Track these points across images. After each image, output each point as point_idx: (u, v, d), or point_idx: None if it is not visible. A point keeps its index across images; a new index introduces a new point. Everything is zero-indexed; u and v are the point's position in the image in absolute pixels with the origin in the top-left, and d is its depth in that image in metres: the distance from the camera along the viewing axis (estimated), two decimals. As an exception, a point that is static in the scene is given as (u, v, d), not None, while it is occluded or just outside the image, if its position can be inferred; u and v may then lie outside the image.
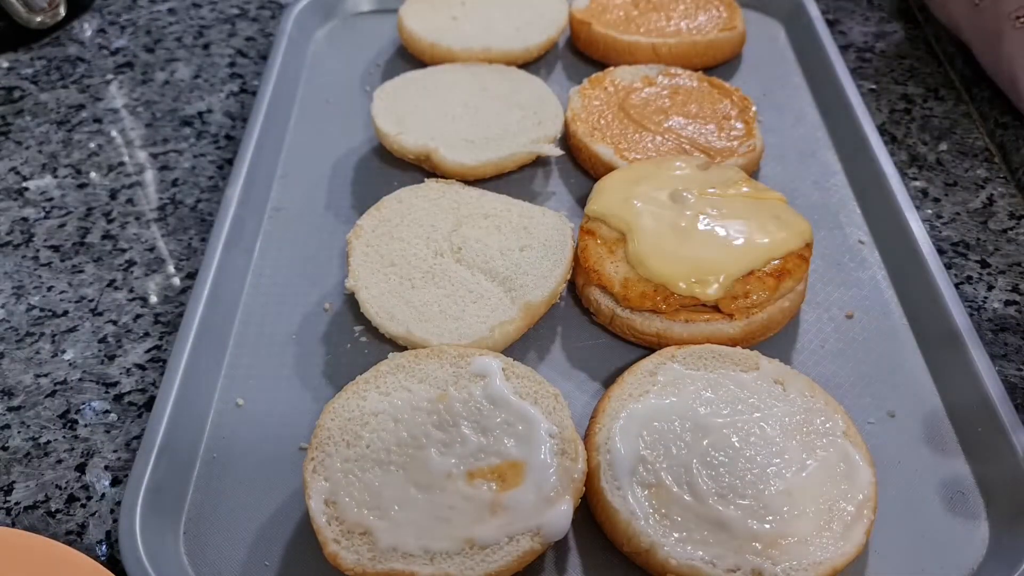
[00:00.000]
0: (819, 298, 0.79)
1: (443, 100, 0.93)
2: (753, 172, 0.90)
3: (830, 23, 1.12)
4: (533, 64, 1.03)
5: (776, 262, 0.72)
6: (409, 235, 0.79)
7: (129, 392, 0.75)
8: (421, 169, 0.90)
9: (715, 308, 0.72)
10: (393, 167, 0.91)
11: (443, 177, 0.87)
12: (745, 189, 0.78)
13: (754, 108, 0.91)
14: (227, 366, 0.75)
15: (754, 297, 0.71)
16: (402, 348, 0.72)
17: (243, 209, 0.85)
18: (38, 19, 1.04)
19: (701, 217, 0.75)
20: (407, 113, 0.91)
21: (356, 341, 0.76)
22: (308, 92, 1.03)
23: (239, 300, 0.80)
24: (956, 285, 0.80)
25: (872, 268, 0.81)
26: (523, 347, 0.75)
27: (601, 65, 1.02)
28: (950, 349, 0.73)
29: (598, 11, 1.05)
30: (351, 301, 0.79)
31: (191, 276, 0.84)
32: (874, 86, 1.03)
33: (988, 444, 0.67)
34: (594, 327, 0.77)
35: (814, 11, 1.07)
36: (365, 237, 0.78)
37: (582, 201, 0.87)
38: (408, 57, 1.05)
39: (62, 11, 1.06)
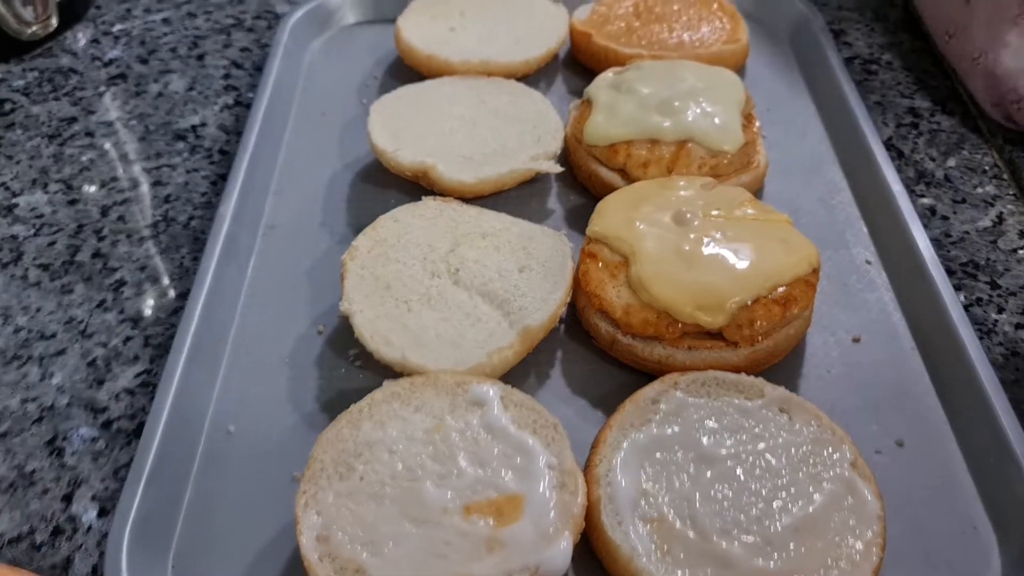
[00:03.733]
0: (825, 321, 0.77)
1: (441, 114, 0.92)
2: (758, 189, 0.88)
3: (835, 34, 1.10)
4: (533, 76, 1.02)
5: (782, 289, 0.71)
6: (405, 256, 0.77)
7: (118, 418, 0.73)
8: (419, 184, 0.88)
9: (719, 335, 0.70)
10: (390, 182, 0.90)
11: (441, 194, 0.85)
12: (750, 211, 0.77)
13: (758, 124, 0.89)
14: (218, 391, 0.73)
15: (759, 325, 0.69)
16: (398, 374, 0.70)
17: (236, 226, 0.83)
18: (29, 30, 1.02)
19: (705, 240, 0.73)
20: (404, 128, 0.89)
21: (351, 365, 0.75)
22: (304, 104, 1.01)
23: (231, 322, 0.78)
24: (966, 307, 0.78)
25: (879, 289, 0.80)
26: (522, 372, 0.73)
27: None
28: (960, 375, 0.71)
29: (599, 22, 1.03)
30: (346, 323, 0.77)
31: (183, 296, 0.82)
32: (880, 99, 1.01)
33: (1001, 476, 0.65)
34: (594, 351, 0.75)
35: (819, 22, 1.05)
36: (360, 259, 0.76)
37: (582, 219, 0.85)
38: (406, 68, 1.03)
39: (54, 22, 1.04)
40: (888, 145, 0.95)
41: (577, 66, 1.05)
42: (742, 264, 0.71)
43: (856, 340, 0.75)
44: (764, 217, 0.76)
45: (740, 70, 1.02)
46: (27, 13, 1.02)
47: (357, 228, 0.86)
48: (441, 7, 1.06)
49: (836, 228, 0.85)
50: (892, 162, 0.89)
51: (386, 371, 0.72)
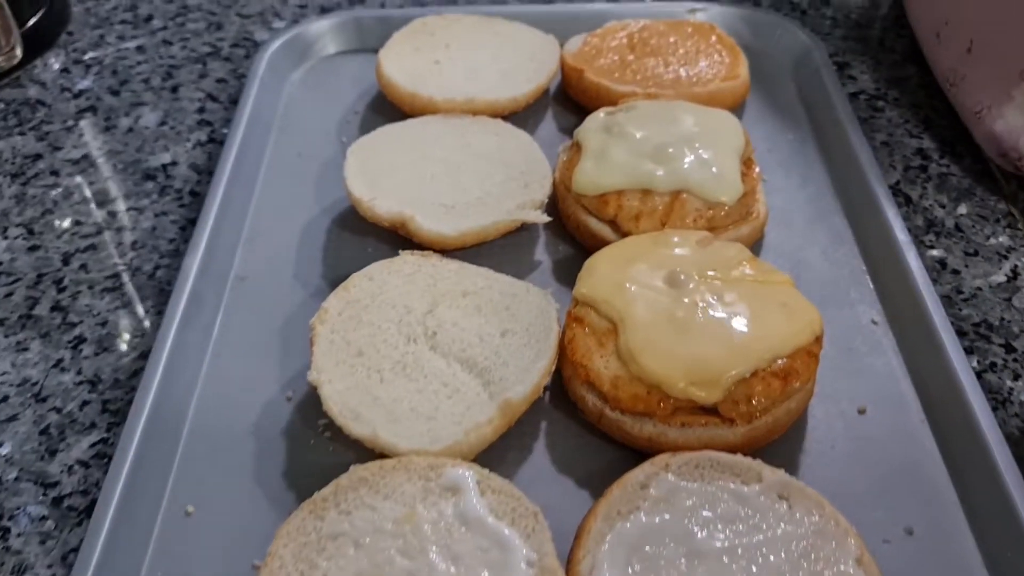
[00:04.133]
0: (828, 390, 0.72)
1: (422, 157, 0.87)
2: (758, 240, 0.83)
3: (839, 67, 1.05)
4: (521, 113, 0.97)
5: (782, 361, 0.66)
6: (380, 318, 0.72)
7: (70, 494, 0.68)
8: (398, 232, 0.83)
9: (714, 411, 0.65)
10: (368, 229, 0.84)
11: (420, 245, 0.80)
12: (749, 271, 0.72)
13: (758, 169, 0.84)
14: (178, 465, 0.69)
15: (758, 401, 0.64)
16: (369, 449, 0.66)
17: (202, 281, 0.79)
18: (-8, 63, 0.97)
19: (700, 306, 0.68)
20: (382, 174, 0.84)
21: (320, 437, 0.70)
22: (280, 143, 0.96)
23: (194, 387, 0.73)
24: (978, 374, 0.73)
25: (886, 353, 0.75)
26: (502, 446, 0.68)
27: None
28: (972, 453, 0.66)
29: (591, 55, 0.98)
30: (316, 389, 0.72)
31: (145, 356, 0.77)
32: (887, 139, 0.96)
33: (1019, 570, 0.60)
34: (581, 422, 0.70)
35: (822, 55, 1.01)
36: (331, 322, 0.71)
37: (570, 272, 0.80)
38: (389, 102, 0.98)
39: (18, 53, 0.99)
40: (895, 190, 0.90)
41: (568, 101, 1.00)
42: (740, 333, 0.67)
43: (862, 411, 0.71)
44: (764, 278, 0.71)
45: (739, 106, 0.97)
46: (-11, 45, 0.97)
47: (332, 280, 0.81)
48: (425, 39, 1.01)
49: (840, 284, 0.80)
50: (899, 209, 0.85)
51: (357, 444, 0.67)
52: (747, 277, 0.71)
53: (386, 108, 0.99)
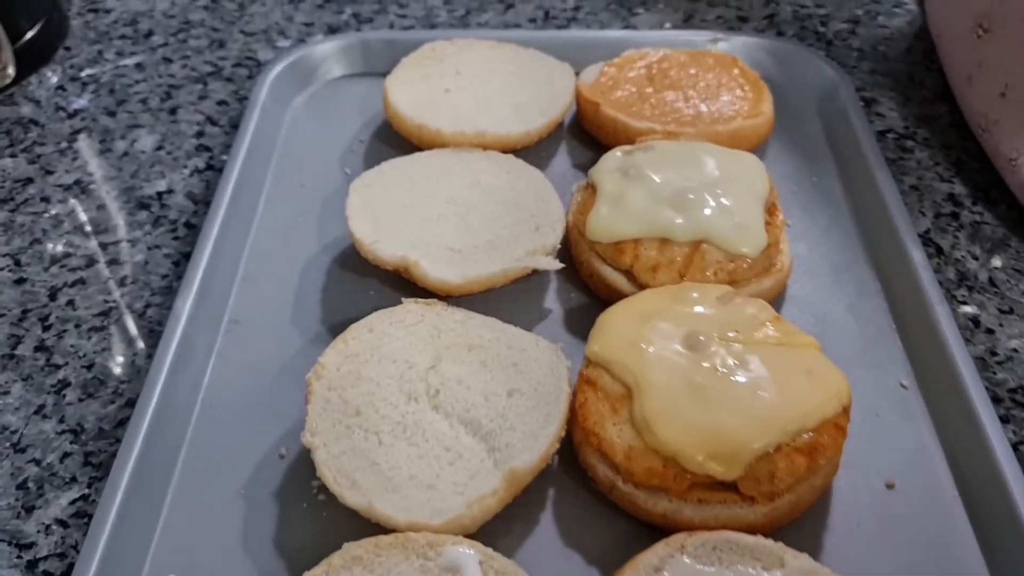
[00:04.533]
0: (854, 460, 0.68)
1: (429, 195, 0.83)
2: (780, 292, 0.79)
3: (865, 102, 1.01)
4: (534, 147, 0.92)
5: (808, 435, 0.61)
6: (380, 374, 0.68)
7: (46, 557, 0.64)
8: (401, 275, 0.79)
9: (733, 487, 0.61)
10: (371, 269, 0.80)
11: (424, 289, 0.76)
12: (772, 332, 0.68)
13: (781, 216, 0.80)
14: (161, 529, 0.65)
15: (780, 479, 0.60)
16: (364, 518, 0.61)
17: (194, 325, 0.75)
18: (-18, 82, 0.94)
19: (721, 371, 0.64)
20: (386, 212, 0.80)
21: (314, 500, 0.66)
22: (281, 173, 0.92)
23: (182, 442, 0.70)
24: (1015, 446, 0.69)
25: (916, 421, 0.71)
26: (506, 516, 0.64)
27: (609, 149, 0.91)
28: (1009, 534, 0.62)
29: (608, 87, 0.94)
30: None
31: (131, 404, 0.74)
32: (916, 183, 0.92)
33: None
34: (591, 491, 0.66)
35: (849, 91, 0.96)
36: (328, 378, 0.67)
37: (582, 323, 0.77)
38: (395, 133, 0.94)
39: (11, 71, 0.96)
40: (925, 239, 0.86)
41: (583, 134, 0.96)
42: (762, 404, 0.62)
43: (890, 486, 0.66)
44: (788, 341, 0.67)
45: (762, 145, 0.93)
46: (-20, 64, 0.93)
47: (331, 326, 0.77)
48: (434, 65, 0.97)
49: (867, 343, 0.76)
50: (930, 261, 0.80)
51: (352, 511, 0.63)
52: (770, 339, 0.67)
53: (392, 137, 0.95)
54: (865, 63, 1.08)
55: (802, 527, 0.64)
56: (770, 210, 0.79)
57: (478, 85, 0.96)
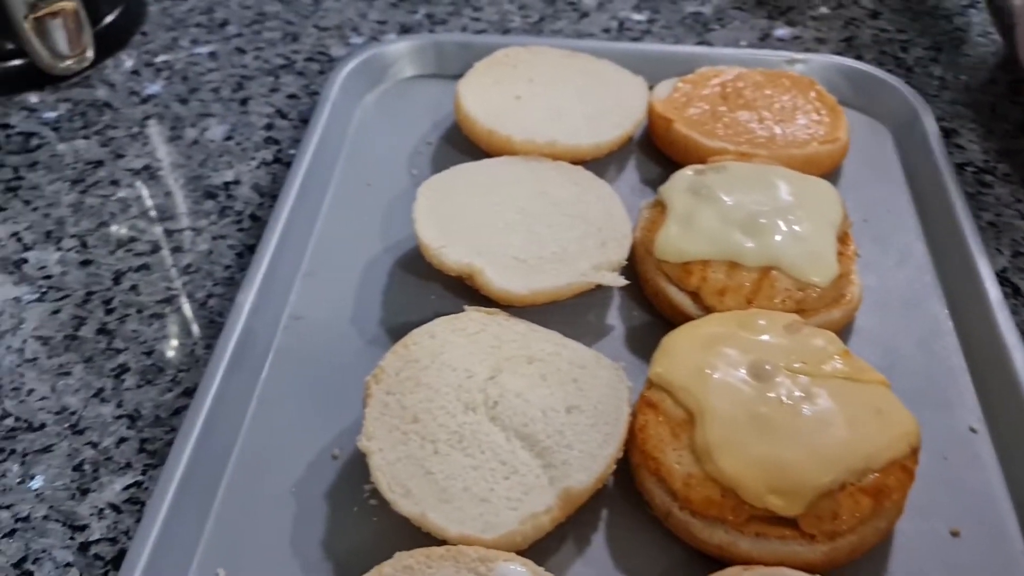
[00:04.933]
0: (918, 504, 0.65)
1: (496, 202, 0.82)
2: (848, 324, 0.77)
3: (945, 133, 0.98)
4: (602, 159, 0.91)
5: (874, 475, 0.60)
6: (439, 382, 0.68)
7: (97, 541, 0.65)
8: (464, 282, 0.78)
9: (793, 523, 0.60)
10: (434, 273, 0.79)
11: (487, 297, 0.76)
12: (840, 365, 0.66)
13: (853, 246, 0.78)
14: (212, 523, 0.65)
15: (843, 519, 0.59)
16: (414, 527, 0.61)
17: (255, 319, 0.75)
18: (63, 64, 0.95)
19: (786, 403, 0.62)
20: (453, 218, 0.80)
21: (365, 504, 0.66)
22: (348, 170, 0.92)
23: (237, 437, 0.70)
24: (1088, 500, 0.67)
25: (986, 468, 0.68)
26: (558, 534, 0.63)
27: (679, 166, 0.89)
28: (1079, 594, 0.60)
29: (681, 103, 0.93)
30: (365, 450, 0.68)
31: (188, 394, 0.74)
32: (994, 219, 0.90)
33: None
34: (646, 516, 0.65)
35: (929, 120, 0.94)
36: (387, 382, 0.67)
37: (644, 342, 0.76)
38: (464, 136, 0.93)
39: (90, 54, 0.97)
40: (1002, 279, 0.83)
41: (652, 150, 0.95)
42: (828, 440, 0.61)
43: (955, 534, 0.64)
44: (857, 376, 0.65)
45: (834, 171, 0.91)
46: (61, 47, 0.94)
47: (390, 328, 0.77)
48: (507, 71, 0.97)
49: (936, 383, 0.74)
50: (1007, 301, 0.78)
51: (403, 518, 0.62)
52: (838, 373, 0.66)
53: (459, 141, 0.94)
54: (946, 92, 1.05)
55: (862, 570, 0.62)
56: (842, 239, 0.78)
57: (550, 94, 0.95)
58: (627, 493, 0.66)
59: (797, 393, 0.63)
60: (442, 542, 0.59)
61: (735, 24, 1.15)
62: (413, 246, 0.83)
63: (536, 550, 0.61)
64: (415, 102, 1.01)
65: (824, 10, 1.18)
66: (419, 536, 0.60)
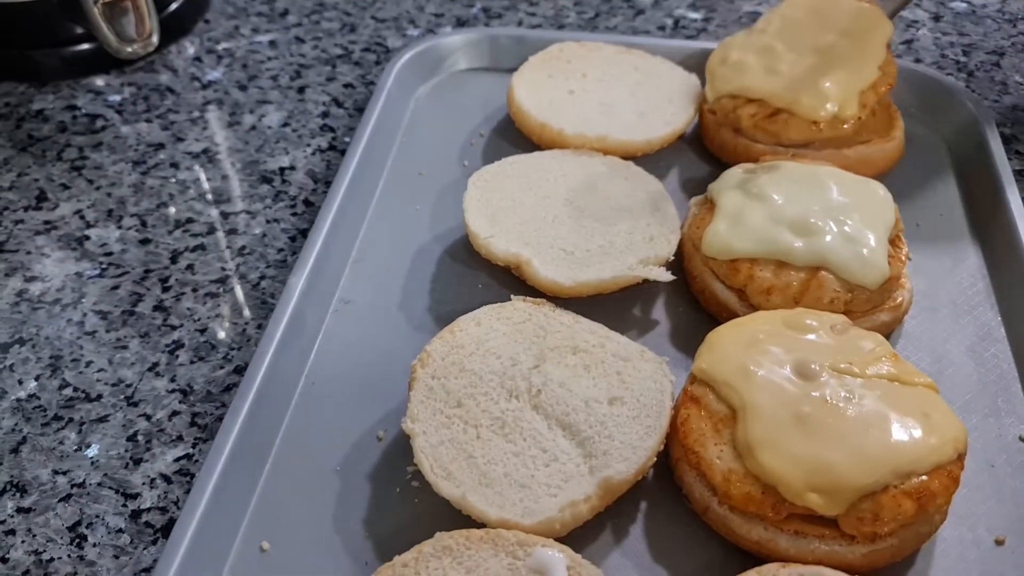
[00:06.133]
0: (962, 510, 0.65)
1: (545, 194, 0.83)
2: (896, 328, 0.76)
3: (1005, 139, 0.97)
4: (652, 155, 0.91)
5: (918, 479, 0.59)
6: (483, 368, 0.68)
7: (148, 509, 0.67)
8: (511, 272, 0.79)
9: (833, 523, 0.59)
10: (482, 263, 0.80)
11: (533, 288, 0.76)
12: (887, 368, 0.65)
13: (905, 249, 0.78)
14: (258, 497, 0.66)
15: (885, 521, 0.58)
16: (456, 508, 0.62)
17: (305, 302, 0.76)
18: (129, 49, 0.97)
19: (831, 401, 0.62)
20: (503, 209, 0.81)
21: (407, 485, 0.67)
22: (400, 160, 0.94)
23: (284, 414, 0.71)
24: None
25: (1033, 477, 0.67)
26: (595, 524, 0.64)
27: (729, 165, 0.89)
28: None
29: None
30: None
31: (239, 371, 0.76)
32: (1051, 229, 0.88)
33: None
34: (685, 510, 0.65)
35: (990, 127, 0.92)
36: (432, 367, 0.68)
37: (688, 338, 0.76)
38: (515, 129, 0.94)
39: (155, 40, 0.99)
40: (1057, 288, 0.81)
41: (703, 148, 0.94)
42: (873, 441, 0.60)
43: (999, 542, 0.64)
44: (904, 379, 0.65)
45: (887, 174, 0.90)
46: (128, 31, 0.97)
47: (437, 315, 0.78)
48: (561, 65, 0.97)
49: (986, 389, 0.73)
50: (1060, 311, 0.77)
51: (444, 501, 0.63)
52: (885, 375, 0.65)
53: (511, 133, 0.95)
54: (1007, 97, 1.03)
55: (902, 574, 0.62)
56: (894, 242, 0.77)
57: (603, 89, 0.95)
58: (666, 486, 0.66)
59: (842, 393, 0.63)
60: (481, 525, 0.60)
61: (793, 25, 1.14)
62: (462, 235, 0.84)
63: (573, 538, 0.61)
64: (468, 95, 1.02)
65: (885, 13, 1.16)
66: (458, 519, 0.61)
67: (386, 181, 0.91)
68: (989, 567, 0.62)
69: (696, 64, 0.99)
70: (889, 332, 0.75)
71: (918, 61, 1.07)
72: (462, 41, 1.05)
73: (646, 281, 0.78)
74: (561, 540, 0.60)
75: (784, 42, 0.88)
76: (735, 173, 0.81)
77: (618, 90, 0.95)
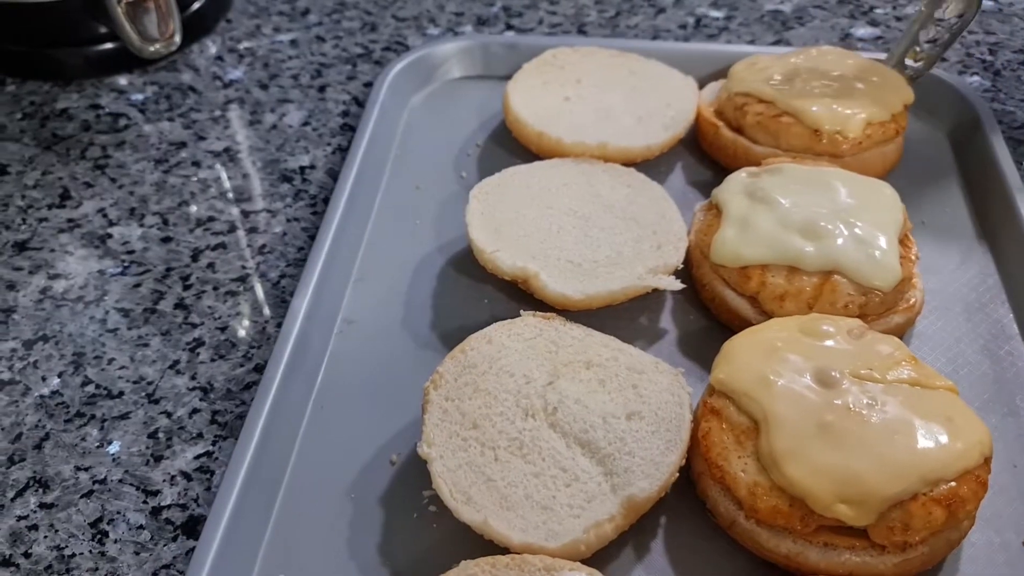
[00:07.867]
0: (987, 514, 0.55)
1: (548, 205, 0.71)
2: (909, 329, 0.66)
3: (1016, 143, 0.84)
4: (652, 160, 0.79)
5: (947, 486, 0.49)
6: (497, 387, 0.57)
7: (169, 507, 0.57)
8: (517, 285, 0.67)
9: (862, 532, 0.50)
10: (486, 276, 0.68)
11: (541, 301, 0.65)
12: (908, 372, 0.55)
13: (915, 249, 0.67)
14: (271, 530, 0.55)
15: (915, 530, 0.48)
16: (474, 534, 0.52)
17: (309, 325, 0.64)
18: (152, 48, 0.85)
19: (854, 409, 0.52)
20: (506, 222, 0.69)
21: (424, 510, 0.56)
22: (396, 174, 0.80)
23: (295, 440, 0.60)
24: None
25: (1055, 477, 0.57)
26: (618, 542, 0.53)
27: (730, 170, 0.76)
28: None
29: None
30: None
31: (259, 369, 0.65)
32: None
33: None
34: (709, 524, 0.55)
35: (988, 119, 0.80)
36: (445, 388, 0.57)
37: (700, 348, 0.65)
38: (512, 138, 0.82)
39: (177, 39, 0.87)
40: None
41: (700, 151, 0.82)
42: (899, 448, 0.50)
43: (1026, 546, 0.54)
44: (924, 383, 0.54)
45: (891, 172, 0.78)
46: (150, 30, 0.84)
47: (443, 333, 0.67)
48: (555, 72, 0.84)
49: (1004, 387, 0.62)
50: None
51: (462, 526, 0.52)
52: (905, 379, 0.54)
53: (507, 142, 0.82)
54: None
55: (929, 584, 0.52)
56: (903, 241, 0.66)
57: (599, 95, 0.82)
58: (687, 499, 0.56)
59: (865, 400, 0.52)
60: (504, 550, 0.50)
61: (815, 23, 1.00)
62: (463, 248, 0.73)
63: (595, 558, 0.51)
64: (463, 104, 0.88)
65: (910, 10, 1.02)
66: (479, 544, 0.51)
67: (383, 197, 0.78)
68: (1019, 571, 0.53)
69: (691, 66, 0.86)
70: (902, 334, 0.64)
71: (942, 60, 0.94)
72: (454, 49, 0.90)
73: (654, 290, 0.67)
74: (586, 562, 0.50)
75: (810, 71, 0.77)
76: (739, 177, 0.70)
77: (614, 96, 0.82)
